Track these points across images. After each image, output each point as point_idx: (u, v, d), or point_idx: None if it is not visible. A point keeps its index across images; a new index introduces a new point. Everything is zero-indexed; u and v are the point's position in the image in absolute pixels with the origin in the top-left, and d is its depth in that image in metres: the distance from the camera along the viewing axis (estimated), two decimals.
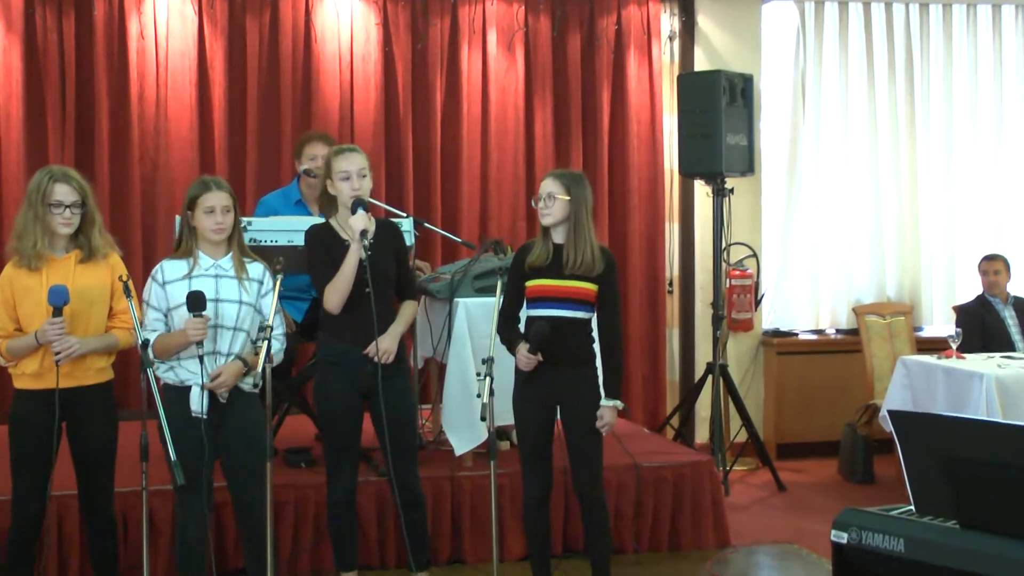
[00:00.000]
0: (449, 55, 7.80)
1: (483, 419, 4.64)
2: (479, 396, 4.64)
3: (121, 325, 4.63)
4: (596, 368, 4.86)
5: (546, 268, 4.80)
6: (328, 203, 4.92)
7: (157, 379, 4.36)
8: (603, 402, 4.81)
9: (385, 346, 4.78)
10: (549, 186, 4.79)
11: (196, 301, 4.41)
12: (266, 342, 4.37)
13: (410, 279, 5.08)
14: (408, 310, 4.99)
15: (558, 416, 4.88)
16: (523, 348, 4.76)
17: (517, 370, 4.89)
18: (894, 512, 3.59)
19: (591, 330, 4.86)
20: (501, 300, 4.95)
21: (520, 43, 7.91)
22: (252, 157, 7.43)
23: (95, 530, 4.76)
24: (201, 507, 4.51)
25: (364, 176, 4.83)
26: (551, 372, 4.79)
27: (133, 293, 4.50)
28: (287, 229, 5.54)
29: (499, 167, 7.89)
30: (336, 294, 4.75)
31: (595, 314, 4.85)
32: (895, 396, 6.87)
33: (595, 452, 4.88)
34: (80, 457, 4.60)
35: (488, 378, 4.63)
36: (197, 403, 4.46)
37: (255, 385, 4.48)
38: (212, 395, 4.48)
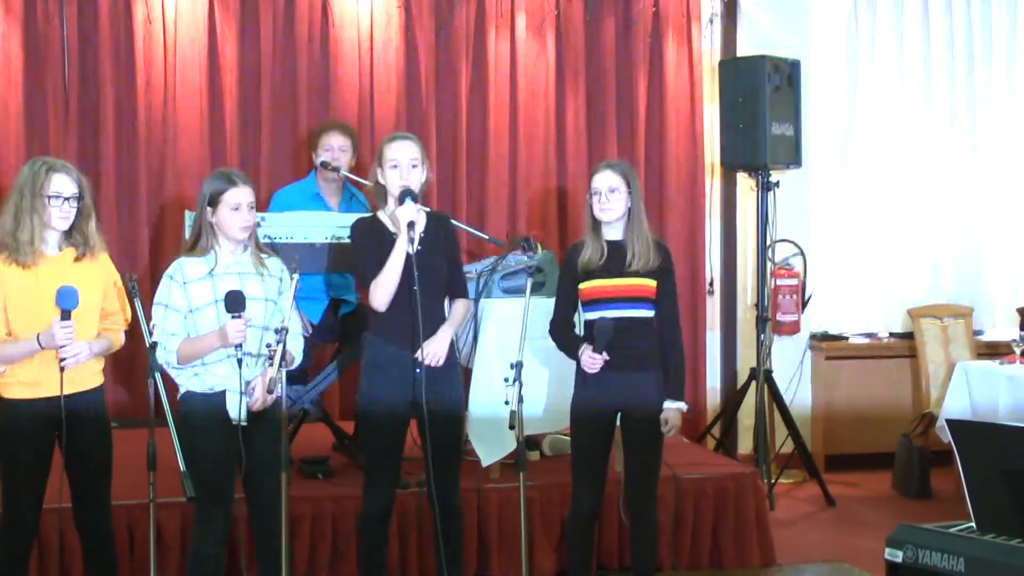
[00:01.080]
0: (475, 41, 7.80)
1: (511, 428, 4.64)
2: (507, 403, 4.63)
3: (113, 327, 4.65)
4: (660, 371, 4.87)
5: (601, 268, 4.81)
6: (378, 194, 4.91)
7: (169, 380, 4.36)
8: (667, 404, 4.83)
9: (434, 348, 4.76)
10: (610, 179, 4.80)
11: (235, 301, 4.39)
12: (281, 345, 4.35)
13: (462, 276, 5.06)
14: (459, 310, 4.97)
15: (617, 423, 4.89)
16: (587, 349, 4.76)
17: (578, 375, 4.90)
18: (953, 529, 3.57)
19: (654, 329, 4.88)
20: (535, 301, 4.95)
21: (551, 27, 7.90)
22: (266, 149, 7.45)
23: (91, 546, 4.72)
24: (223, 522, 4.50)
25: (415, 166, 4.81)
26: (615, 377, 4.79)
27: (138, 294, 4.51)
28: (304, 225, 5.56)
29: (528, 160, 7.89)
30: (382, 291, 4.73)
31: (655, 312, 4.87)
32: (953, 405, 6.83)
33: (655, 464, 4.90)
34: (75, 468, 4.56)
35: (517, 384, 4.62)
36: (236, 410, 4.45)
37: (270, 391, 4.47)
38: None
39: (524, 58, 7.86)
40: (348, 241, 5.49)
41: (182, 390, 4.56)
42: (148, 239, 7.25)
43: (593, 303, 4.85)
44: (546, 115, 7.92)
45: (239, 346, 4.41)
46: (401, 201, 4.73)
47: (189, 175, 7.29)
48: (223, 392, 4.49)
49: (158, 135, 7.33)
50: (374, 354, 4.86)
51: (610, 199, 4.79)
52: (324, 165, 6.25)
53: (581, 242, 4.94)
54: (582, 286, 4.87)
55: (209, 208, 4.56)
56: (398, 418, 4.84)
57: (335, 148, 6.26)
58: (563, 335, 4.95)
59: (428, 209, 5.00)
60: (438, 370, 4.79)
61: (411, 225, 4.67)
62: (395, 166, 4.80)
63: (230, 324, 4.40)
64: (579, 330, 4.99)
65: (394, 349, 4.78)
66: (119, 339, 4.64)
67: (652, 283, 4.83)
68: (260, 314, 4.53)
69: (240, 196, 4.53)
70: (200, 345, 4.46)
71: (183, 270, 4.55)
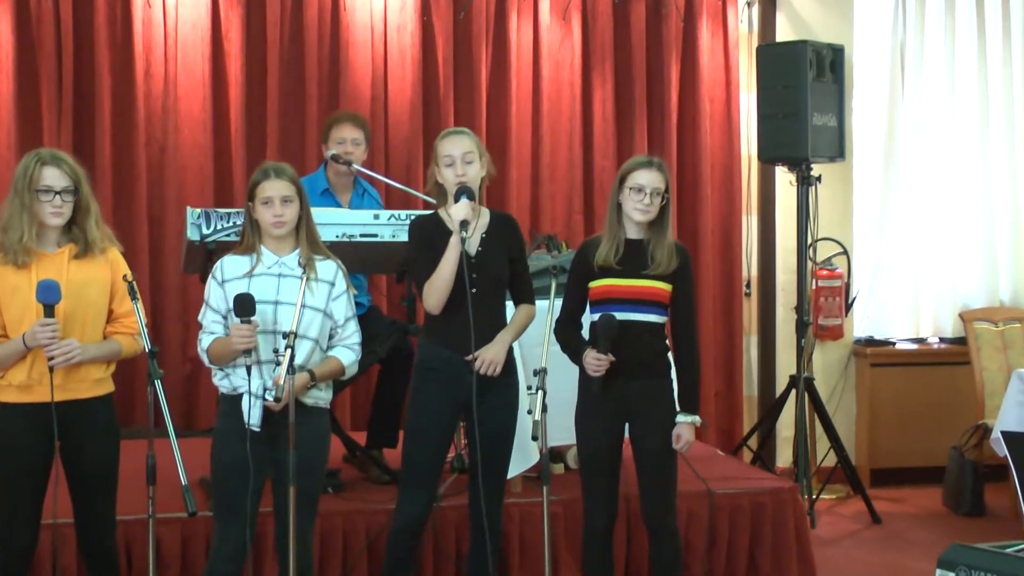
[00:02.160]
0: (496, 25, 7.81)
1: (534, 439, 4.64)
2: (530, 412, 4.64)
3: (123, 330, 4.62)
4: (672, 380, 4.88)
5: (617, 267, 4.82)
6: (439, 194, 4.94)
7: (169, 388, 4.37)
8: (679, 418, 4.83)
9: (491, 356, 4.78)
10: (655, 180, 4.84)
11: (243, 305, 4.42)
12: (288, 351, 4.36)
13: (527, 281, 5.06)
14: (522, 316, 4.98)
15: (626, 435, 4.89)
16: (591, 350, 4.76)
17: (582, 383, 4.91)
18: (1009, 549, 3.56)
19: (666, 336, 4.90)
20: (559, 303, 4.95)
21: (577, 11, 7.91)
22: (273, 141, 7.46)
23: (92, 566, 4.72)
24: (240, 537, 4.51)
25: (471, 162, 4.84)
26: (621, 384, 4.80)
27: (139, 295, 4.51)
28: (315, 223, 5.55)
29: (552, 152, 7.89)
30: (435, 292, 4.75)
31: (668, 318, 4.89)
32: (1010, 415, 6.80)
33: (669, 476, 4.90)
34: (76, 481, 4.56)
35: (540, 392, 4.63)
36: (249, 414, 4.47)
37: (276, 399, 4.46)
38: (265, 407, 4.49)
39: (548, 44, 7.86)
40: (360, 239, 5.52)
41: (219, 391, 4.62)
42: (147, 237, 7.27)
43: (602, 303, 4.86)
44: (571, 105, 7.92)
45: (248, 353, 4.43)
46: (456, 199, 4.78)
47: (191, 169, 7.32)
48: (241, 395, 4.51)
49: (158, 126, 7.35)
50: (427, 356, 4.90)
51: (654, 201, 4.81)
52: (335, 159, 6.26)
53: (597, 238, 4.97)
54: (593, 284, 4.89)
55: (250, 203, 4.60)
56: (446, 427, 4.88)
57: (348, 141, 6.27)
58: (568, 336, 4.95)
59: (490, 208, 5.02)
60: (494, 377, 4.80)
61: (464, 224, 4.71)
62: (450, 163, 4.84)
63: (234, 329, 4.43)
64: (586, 334, 4.99)
65: (447, 352, 4.81)
66: (130, 344, 4.61)
67: (667, 287, 4.84)
68: (292, 320, 4.51)
69: (271, 189, 4.55)
70: (225, 347, 4.50)
71: (223, 268, 4.60)
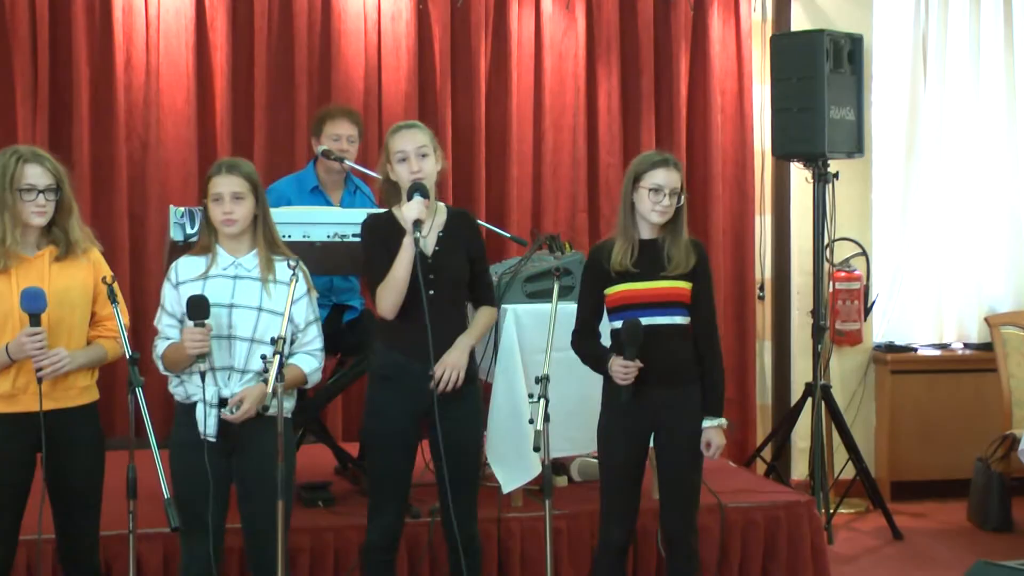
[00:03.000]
0: (495, 14, 7.81)
1: (536, 449, 4.63)
2: (531, 422, 4.63)
3: (107, 334, 4.64)
4: (699, 387, 4.89)
5: (633, 270, 4.82)
6: (390, 191, 4.94)
7: (152, 397, 4.37)
8: (706, 423, 4.85)
9: (452, 360, 4.77)
10: (673, 179, 4.84)
11: (196, 307, 4.45)
12: (277, 357, 4.36)
13: (487, 281, 5.07)
14: (483, 319, 4.99)
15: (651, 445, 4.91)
16: (617, 358, 4.76)
17: (607, 393, 4.91)
18: None
19: (691, 338, 4.90)
20: (561, 307, 4.95)
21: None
22: (260, 135, 7.46)
23: None
24: (205, 550, 4.52)
25: (425, 156, 4.83)
26: (649, 392, 4.80)
27: (119, 297, 4.51)
28: (302, 222, 5.55)
29: (555, 148, 7.89)
30: (388, 295, 4.75)
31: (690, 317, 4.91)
32: None
33: (694, 491, 4.94)
34: (59, 495, 4.55)
35: (542, 400, 4.63)
36: (204, 423, 4.49)
37: (264, 408, 4.48)
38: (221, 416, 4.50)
39: (550, 34, 7.86)
40: (352, 239, 5.51)
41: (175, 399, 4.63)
42: (128, 236, 7.28)
43: (621, 310, 4.85)
44: (575, 98, 7.92)
45: (202, 358, 4.44)
46: (409, 197, 4.77)
47: (174, 164, 7.32)
48: (196, 403, 4.53)
49: (139, 120, 7.34)
50: (381, 364, 4.88)
51: (672, 201, 4.82)
52: (327, 154, 6.25)
53: (608, 241, 4.96)
54: (609, 291, 4.88)
55: (205, 200, 4.61)
56: (406, 436, 4.86)
57: (343, 138, 6.27)
58: (588, 346, 4.96)
59: (447, 205, 5.01)
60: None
61: (417, 223, 4.70)
62: (403, 159, 4.82)
63: (186, 332, 4.46)
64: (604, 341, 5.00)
65: (404, 359, 4.80)
66: (114, 348, 4.63)
67: (688, 286, 4.85)
68: (249, 324, 4.54)
69: (221, 185, 4.56)
70: (180, 353, 4.51)
71: (178, 270, 4.62)
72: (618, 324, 4.86)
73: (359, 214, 5.63)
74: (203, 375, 4.46)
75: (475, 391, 4.96)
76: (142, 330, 7.16)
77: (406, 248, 4.71)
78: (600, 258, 4.91)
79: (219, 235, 4.62)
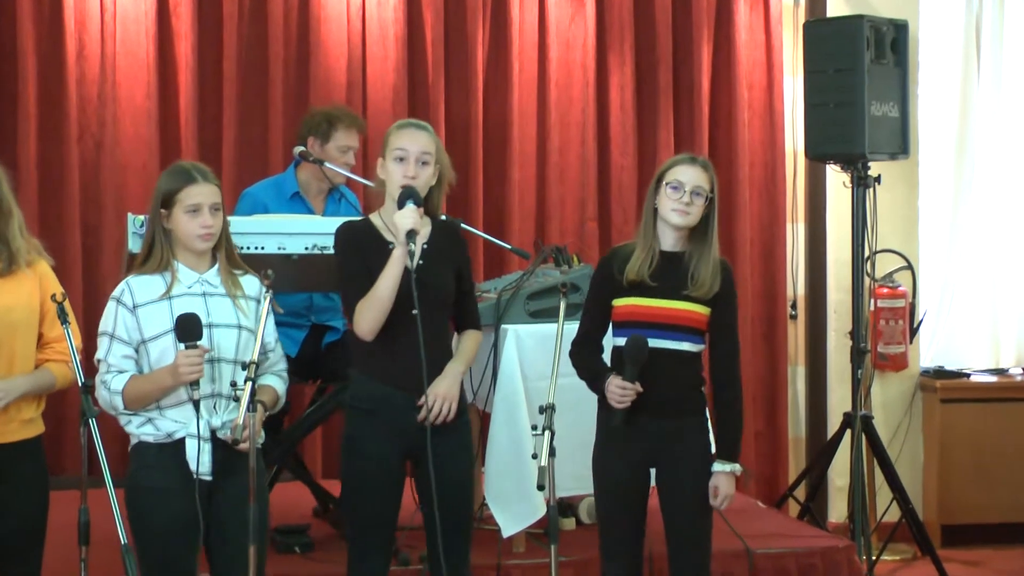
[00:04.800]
0: None
1: (540, 488, 4.61)
2: (535, 456, 4.62)
3: (57, 357, 4.62)
4: (707, 419, 4.90)
5: (650, 283, 4.81)
6: (376, 193, 4.95)
7: (112, 430, 4.35)
8: (716, 467, 4.84)
9: (443, 390, 4.76)
10: (697, 177, 4.84)
11: (189, 327, 4.42)
12: (249, 384, 4.35)
13: (473, 301, 5.08)
14: (470, 343, 4.99)
15: (652, 483, 4.90)
16: (615, 378, 4.77)
17: (601, 420, 4.91)
18: None
19: (702, 368, 4.90)
20: (568, 327, 4.95)
21: None
22: (230, 134, 7.46)
23: None
24: None
25: (426, 163, 4.81)
26: (647, 421, 4.79)
27: (71, 318, 4.49)
28: (279, 232, 5.56)
29: (561, 149, 7.90)
30: (369, 314, 4.71)
31: (704, 346, 4.91)
32: None
33: (703, 533, 4.91)
34: None
35: (547, 432, 4.62)
36: (196, 460, 4.45)
37: (234, 442, 4.45)
38: (214, 451, 4.47)
39: (556, 20, 7.88)
40: (331, 252, 5.50)
41: (133, 440, 4.57)
42: (80, 249, 7.28)
43: (627, 326, 4.85)
44: (584, 92, 7.93)
45: (195, 384, 4.41)
46: (401, 204, 4.73)
47: (133, 167, 7.32)
48: (182, 440, 4.49)
49: (93, 117, 7.35)
50: (360, 395, 4.87)
51: (694, 201, 4.81)
52: (304, 155, 6.26)
53: (625, 246, 4.96)
54: (618, 302, 4.88)
55: (163, 211, 4.58)
56: (392, 475, 4.84)
57: (351, 152, 6.30)
58: (586, 358, 4.96)
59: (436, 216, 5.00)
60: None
61: (411, 234, 4.65)
62: (401, 158, 4.80)
63: (181, 356, 4.41)
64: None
65: (386, 389, 4.79)
66: (64, 373, 4.61)
67: (705, 312, 4.85)
68: (232, 344, 4.54)
69: (200, 195, 4.54)
70: (151, 384, 4.47)
71: (132, 291, 4.56)
72: (618, 340, 4.87)
73: (338, 222, 5.62)
74: (196, 404, 4.43)
75: (466, 423, 4.96)
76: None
77: (395, 261, 4.67)
78: (613, 264, 4.90)
79: (175, 250, 4.60)
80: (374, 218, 4.89)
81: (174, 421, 4.50)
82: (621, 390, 4.75)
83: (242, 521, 4.40)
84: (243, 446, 4.40)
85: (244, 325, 4.58)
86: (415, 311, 4.67)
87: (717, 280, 4.85)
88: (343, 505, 4.96)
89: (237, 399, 4.38)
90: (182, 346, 4.42)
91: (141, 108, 7.38)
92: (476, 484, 5.26)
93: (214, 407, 4.51)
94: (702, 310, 4.84)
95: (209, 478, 4.47)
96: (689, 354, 4.86)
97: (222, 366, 4.53)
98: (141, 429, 4.54)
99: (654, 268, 4.84)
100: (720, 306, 4.88)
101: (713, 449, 4.89)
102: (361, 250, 4.81)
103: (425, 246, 4.82)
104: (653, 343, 4.78)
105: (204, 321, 4.50)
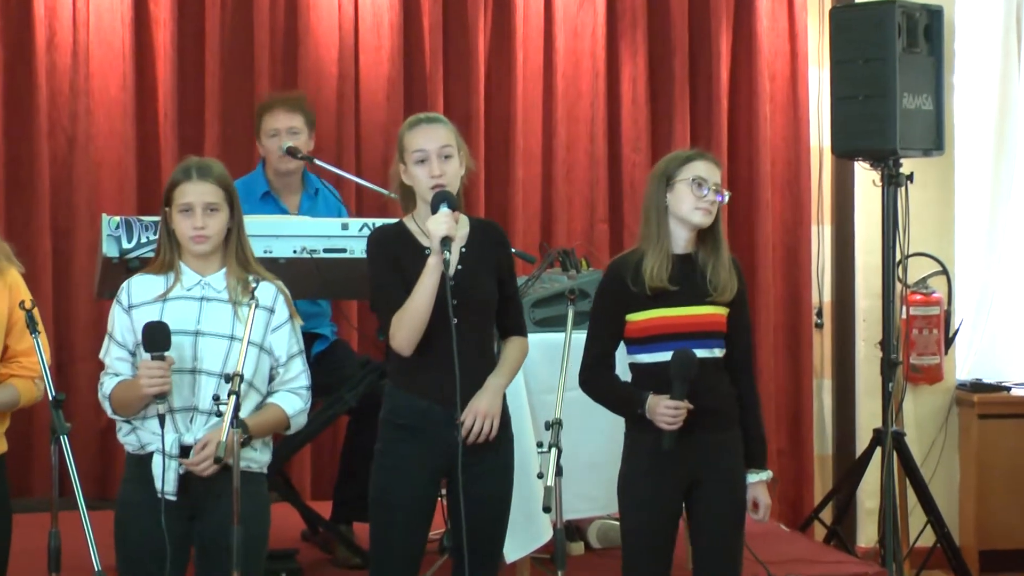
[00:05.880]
0: None
1: (546, 510, 4.61)
2: (540, 476, 4.63)
3: (21, 372, 4.62)
4: (740, 431, 4.90)
5: (668, 291, 4.82)
6: (404, 196, 4.92)
7: (80, 448, 4.35)
8: (751, 477, 4.85)
9: (484, 407, 4.74)
10: (716, 173, 4.87)
11: (154, 336, 4.42)
12: (233, 398, 4.34)
13: (517, 306, 5.05)
14: (514, 353, 4.96)
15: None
16: (663, 399, 4.74)
17: (629, 440, 4.90)
18: None
19: (728, 375, 4.91)
20: (576, 336, 4.94)
21: None
22: (212, 130, 7.46)
23: None
24: None
25: (449, 157, 4.79)
26: (687, 439, 4.76)
27: (40, 327, 4.49)
28: (265, 234, 5.55)
29: (569, 145, 7.91)
30: (407, 327, 4.69)
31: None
32: None
33: (737, 557, 4.91)
34: None
35: (554, 449, 4.61)
36: (161, 478, 4.47)
37: (217, 459, 4.44)
38: (187, 471, 4.48)
39: (563, 6, 7.88)
40: (323, 255, 5.50)
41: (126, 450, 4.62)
42: (51, 254, 7.29)
43: (653, 340, 4.84)
44: (593, 84, 7.94)
45: (162, 398, 4.41)
46: (435, 208, 4.72)
47: (108, 164, 7.33)
48: (152, 454, 4.50)
49: (65, 111, 7.36)
50: (396, 410, 4.86)
51: (715, 199, 4.82)
52: (291, 152, 6.27)
53: (631, 254, 4.94)
54: (636, 317, 4.85)
55: (166, 209, 4.61)
56: (426, 500, 4.84)
57: (282, 132, 6.30)
58: (610, 384, 4.94)
59: (467, 215, 4.98)
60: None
61: (446, 241, 4.64)
62: (422, 159, 4.79)
63: (143, 367, 4.43)
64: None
65: (423, 403, 4.78)
66: (29, 389, 4.61)
67: (725, 312, 4.87)
68: (218, 356, 4.53)
69: (192, 194, 4.54)
70: (132, 391, 4.49)
71: (131, 291, 4.59)
72: (645, 358, 4.85)
73: (333, 225, 5.63)
74: (162, 419, 4.42)
75: (508, 440, 4.92)
76: (68, 365, 7.20)
77: (431, 271, 4.64)
78: (623, 275, 4.87)
79: (183, 251, 4.62)
80: (408, 222, 4.88)
81: (151, 433, 4.50)
82: (672, 411, 4.72)
83: (227, 546, 4.40)
84: (209, 469, 4.42)
85: (239, 336, 4.56)
86: (454, 320, 4.65)
87: (734, 280, 4.87)
88: (370, 521, 4.94)
89: (220, 414, 4.35)
90: (148, 356, 4.43)
91: (116, 101, 7.38)
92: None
93: (190, 422, 4.51)
94: (722, 311, 4.86)
95: (173, 498, 4.46)
96: (719, 360, 4.87)
97: (203, 378, 4.52)
98: (127, 438, 4.58)
99: (671, 273, 4.84)
100: (737, 305, 4.90)
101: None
102: (394, 258, 4.81)
103: (463, 250, 4.82)
104: None
105: (191, 328, 4.51)
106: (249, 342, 4.52)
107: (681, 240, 4.87)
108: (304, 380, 4.70)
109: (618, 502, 4.99)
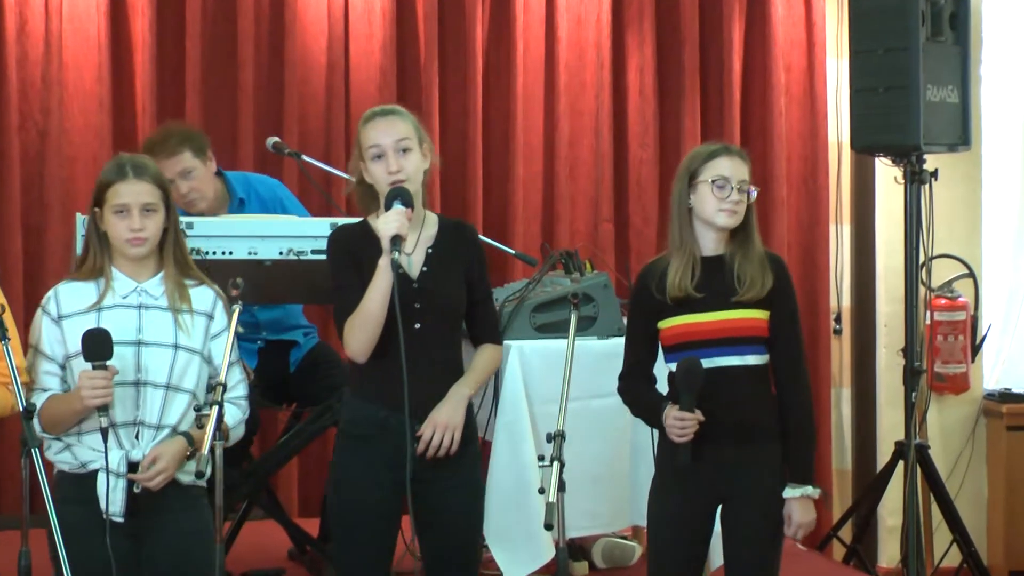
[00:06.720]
0: None
1: (548, 527, 4.60)
2: (542, 492, 4.61)
3: None
4: (780, 445, 4.86)
5: (696, 296, 4.81)
6: (364, 195, 4.94)
7: (47, 465, 4.35)
8: (788, 492, 4.80)
9: (444, 418, 4.76)
10: (741, 169, 4.83)
11: (95, 345, 4.41)
12: (215, 408, 4.35)
13: (490, 312, 5.07)
14: (484, 361, 4.98)
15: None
16: (671, 409, 4.74)
17: (660, 454, 4.89)
18: None
19: (770, 383, 4.88)
20: (580, 343, 4.93)
21: None
22: (194, 123, 7.43)
23: None
24: None
25: (407, 151, 4.81)
26: (714, 452, 4.76)
27: (11, 333, 4.49)
28: (251, 235, 5.56)
29: (572, 140, 7.92)
30: (359, 332, 4.72)
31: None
32: None
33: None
34: None
35: (556, 463, 4.60)
36: (106, 498, 4.46)
37: (199, 474, 4.46)
38: (131, 489, 4.48)
39: None
40: (311, 258, 5.50)
41: (55, 469, 4.59)
42: (22, 254, 7.29)
43: (680, 349, 4.81)
44: (598, 76, 7.95)
45: (104, 410, 4.39)
46: (387, 205, 4.74)
47: (82, 160, 7.32)
48: (96, 472, 4.49)
49: (36, 103, 7.36)
50: (351, 420, 4.88)
51: (741, 198, 4.80)
52: (278, 148, 6.29)
53: (657, 262, 4.93)
54: (664, 324, 4.85)
55: (97, 209, 4.59)
56: (386, 512, 4.83)
57: (176, 179, 6.11)
58: (639, 393, 4.93)
59: (438, 215, 5.00)
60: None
61: (396, 240, 4.65)
62: (378, 155, 4.81)
63: (83, 377, 4.41)
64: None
65: (380, 413, 4.78)
66: (4, 397, 4.61)
67: (764, 315, 4.81)
68: (164, 367, 4.54)
69: (128, 194, 4.54)
70: (66, 407, 4.49)
71: (59, 300, 4.59)
72: (673, 366, 4.83)
73: (319, 224, 5.62)
74: (105, 434, 4.40)
75: (473, 455, 4.95)
76: None
77: (382, 272, 4.67)
78: (649, 283, 4.86)
79: (114, 255, 4.61)
80: (372, 221, 4.89)
81: (91, 449, 4.50)
82: (680, 422, 4.70)
83: (184, 567, 4.44)
84: (152, 482, 4.43)
85: (183, 345, 4.57)
86: (417, 325, 4.69)
87: (768, 275, 4.80)
88: (332, 542, 4.95)
89: (202, 426, 4.35)
90: (88, 366, 4.42)
91: (91, 93, 7.38)
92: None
93: (136, 437, 4.51)
94: (760, 314, 4.81)
95: (120, 519, 4.46)
96: (756, 368, 4.82)
97: (148, 390, 4.53)
98: (58, 456, 4.57)
99: (697, 278, 4.82)
100: (779, 306, 4.84)
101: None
102: (354, 258, 4.82)
103: (430, 250, 4.85)
104: (714, 361, 4.75)
105: (132, 338, 4.51)
106: (189, 350, 4.55)
107: (709, 242, 4.84)
108: (242, 390, 4.73)
109: (647, 517, 4.99)
